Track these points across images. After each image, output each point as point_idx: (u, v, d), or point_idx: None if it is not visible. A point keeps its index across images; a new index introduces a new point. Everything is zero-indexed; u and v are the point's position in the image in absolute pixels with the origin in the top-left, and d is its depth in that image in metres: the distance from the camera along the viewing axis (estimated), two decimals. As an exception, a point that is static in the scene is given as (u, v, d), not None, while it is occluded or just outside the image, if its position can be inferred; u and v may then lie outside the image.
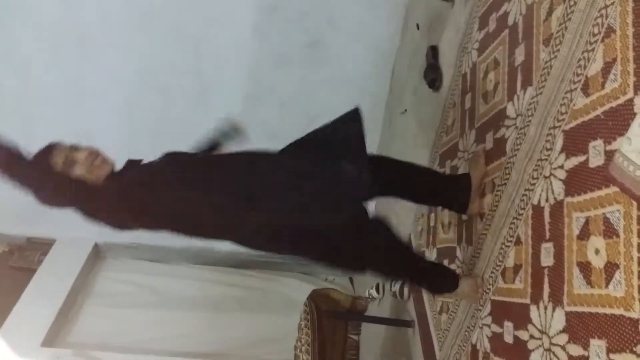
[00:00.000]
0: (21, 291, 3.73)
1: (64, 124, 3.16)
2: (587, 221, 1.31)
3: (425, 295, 2.55)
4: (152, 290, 4.08)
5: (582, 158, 1.37)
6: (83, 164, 1.68)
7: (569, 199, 1.41)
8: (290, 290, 4.20)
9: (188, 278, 4.20)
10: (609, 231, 1.22)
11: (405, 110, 3.31)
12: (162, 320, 3.89)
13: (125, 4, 3.36)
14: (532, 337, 1.52)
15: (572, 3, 1.52)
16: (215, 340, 3.84)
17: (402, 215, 3.16)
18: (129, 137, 3.37)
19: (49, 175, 1.68)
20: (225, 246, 4.27)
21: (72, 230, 4.01)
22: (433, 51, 2.82)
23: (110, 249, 4.24)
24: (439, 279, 1.97)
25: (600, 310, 1.22)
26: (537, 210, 1.57)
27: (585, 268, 1.30)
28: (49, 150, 1.70)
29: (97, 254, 4.23)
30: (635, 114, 1.16)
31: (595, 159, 1.31)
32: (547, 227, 1.51)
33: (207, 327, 3.90)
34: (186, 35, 3.48)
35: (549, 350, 1.42)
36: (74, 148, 1.71)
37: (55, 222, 3.98)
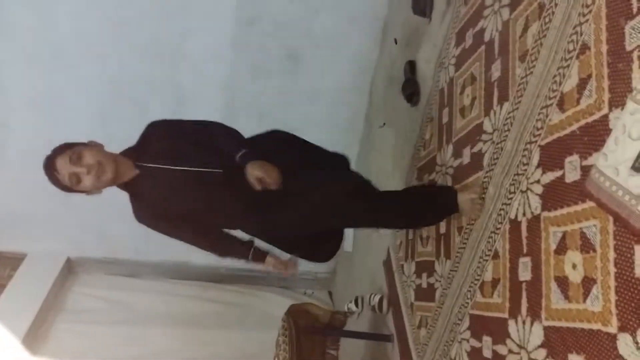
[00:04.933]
0: (-10, 308, 3.62)
1: (37, 133, 3.09)
2: (564, 236, 1.32)
3: (404, 309, 2.54)
4: (126, 307, 3.98)
5: (558, 173, 1.38)
6: (88, 180, 1.77)
7: (545, 214, 1.42)
8: (268, 305, 4.15)
9: (164, 293, 4.12)
10: (586, 246, 1.23)
11: (384, 124, 3.33)
12: (138, 337, 3.80)
13: (102, 15, 3.31)
14: (510, 351, 1.52)
15: (547, 20, 1.54)
16: (192, 357, 3.77)
17: (382, 229, 3.16)
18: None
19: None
20: (202, 260, 4.27)
21: (43, 245, 3.93)
22: (411, 66, 2.84)
23: (83, 264, 4.14)
24: (439, 201, 1.97)
25: (578, 325, 1.23)
26: (515, 224, 1.58)
27: (563, 283, 1.30)
28: (51, 167, 1.78)
29: (70, 269, 4.12)
30: (610, 130, 1.17)
31: (572, 174, 1.32)
32: (524, 241, 1.51)
33: (184, 343, 3.82)
34: (163, 47, 3.45)
35: (527, 365, 1.42)
36: (74, 161, 1.76)
37: (26, 236, 3.90)
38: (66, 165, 1.75)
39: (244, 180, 1.78)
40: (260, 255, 2.12)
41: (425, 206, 2.00)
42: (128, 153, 1.92)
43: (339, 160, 2.14)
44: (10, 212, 3.75)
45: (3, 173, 3.59)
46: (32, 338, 3.60)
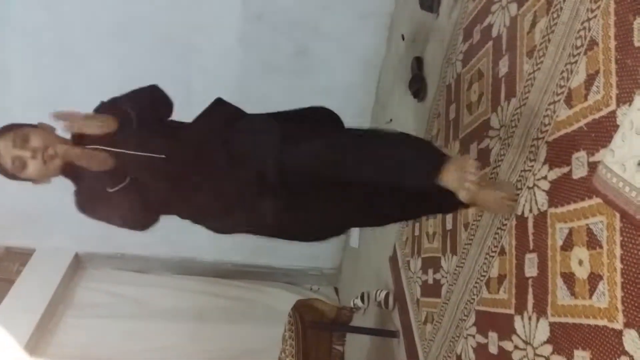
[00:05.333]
0: (-1, 302, 3.66)
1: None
2: (570, 232, 1.32)
3: (410, 305, 2.55)
4: (134, 302, 4.01)
5: (565, 169, 1.38)
6: (34, 165, 1.53)
7: (552, 210, 1.42)
8: (274, 300, 4.17)
9: (171, 288, 4.14)
10: (592, 242, 1.23)
11: (391, 120, 3.32)
12: (145, 331, 3.83)
13: (111, 13, 3.33)
14: (516, 347, 1.52)
15: (555, 16, 1.54)
16: (198, 352, 3.79)
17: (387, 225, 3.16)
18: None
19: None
20: (208, 256, 4.29)
21: (52, 240, 3.97)
22: (418, 62, 2.84)
23: (91, 259, 4.16)
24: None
25: (584, 321, 1.23)
26: (521, 220, 1.58)
27: (569, 279, 1.30)
28: None
29: (78, 264, 4.15)
30: (617, 126, 1.17)
31: (579, 171, 1.32)
32: (530, 237, 1.51)
33: (190, 338, 3.84)
34: (172, 44, 3.46)
35: (533, 361, 1.42)
36: (18, 143, 1.52)
37: (35, 231, 3.93)
38: (9, 148, 1.51)
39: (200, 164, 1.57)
40: None
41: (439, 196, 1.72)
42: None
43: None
44: (19, 209, 3.78)
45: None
46: (41, 332, 3.64)
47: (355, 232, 3.97)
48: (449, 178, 1.44)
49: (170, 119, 1.75)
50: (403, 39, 3.18)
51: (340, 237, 4.22)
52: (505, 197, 1.63)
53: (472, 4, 2.23)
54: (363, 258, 3.76)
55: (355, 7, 3.45)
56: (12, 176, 1.57)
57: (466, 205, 1.72)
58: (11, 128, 1.55)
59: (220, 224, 1.78)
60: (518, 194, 1.62)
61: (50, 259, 3.96)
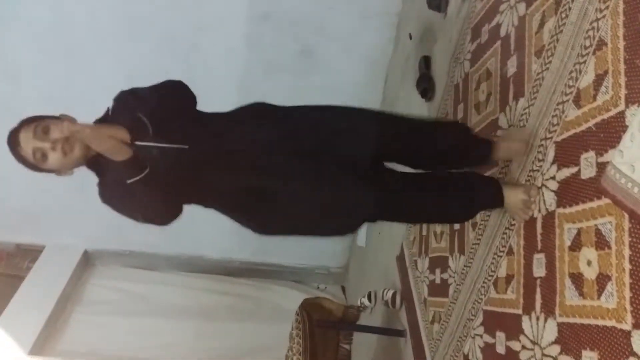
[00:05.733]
0: (9, 298, 3.68)
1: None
2: (579, 232, 1.32)
3: (417, 304, 2.55)
4: (142, 299, 4.04)
5: (574, 169, 1.37)
6: (54, 157, 1.53)
7: (560, 210, 1.41)
8: (281, 298, 4.18)
9: (178, 286, 4.16)
10: (601, 243, 1.22)
11: None
12: (152, 328, 3.85)
13: (116, 12, 3.35)
14: (524, 347, 1.52)
15: (563, 15, 1.53)
16: (205, 349, 3.81)
17: (395, 224, 3.16)
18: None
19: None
20: (216, 254, 4.31)
21: (61, 237, 4.00)
22: (426, 61, 2.83)
23: (100, 256, 4.20)
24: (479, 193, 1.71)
25: (592, 321, 1.23)
26: (529, 220, 1.58)
27: (577, 279, 1.30)
28: (14, 141, 1.55)
29: (87, 261, 4.18)
30: (626, 127, 1.16)
31: (587, 171, 1.31)
32: (539, 237, 1.51)
33: (198, 335, 3.86)
34: (177, 43, 3.47)
35: (541, 361, 1.42)
36: (39, 135, 1.52)
37: (45, 228, 3.97)
38: (30, 139, 1.52)
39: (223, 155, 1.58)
40: None
41: (461, 196, 1.71)
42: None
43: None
44: (29, 206, 3.81)
45: (22, 168, 3.64)
46: (50, 328, 3.67)
47: (362, 230, 3.97)
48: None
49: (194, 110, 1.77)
50: (410, 38, 3.18)
51: (348, 236, 4.25)
52: (529, 200, 1.58)
53: (480, 3, 2.23)
54: (370, 257, 3.77)
55: (362, 6, 3.45)
56: (35, 167, 1.58)
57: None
58: (33, 120, 1.56)
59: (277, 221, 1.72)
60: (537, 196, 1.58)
61: (59, 255, 3.99)
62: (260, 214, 1.69)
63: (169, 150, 1.57)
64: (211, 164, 1.60)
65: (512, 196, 1.63)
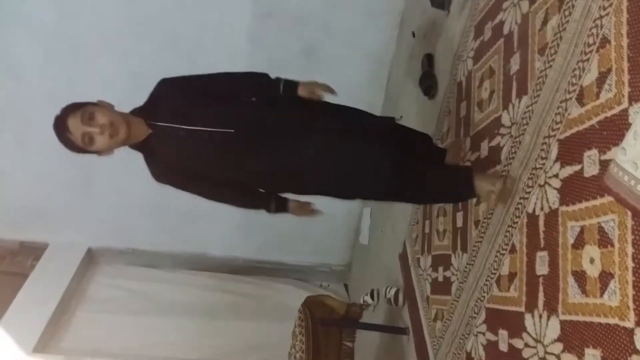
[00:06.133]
0: (13, 296, 3.69)
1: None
2: (581, 230, 1.32)
3: (420, 302, 2.55)
4: (145, 296, 4.05)
5: (577, 167, 1.37)
6: (101, 140, 1.73)
7: (563, 208, 1.41)
8: (284, 296, 4.19)
9: (182, 284, 4.17)
10: (604, 240, 1.22)
11: (401, 116, 3.32)
12: (156, 326, 3.86)
13: (120, 11, 3.35)
14: (526, 345, 1.52)
15: (567, 13, 1.53)
16: (208, 347, 3.82)
17: (398, 222, 3.17)
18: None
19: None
20: (219, 252, 4.32)
21: (65, 235, 4.01)
22: (428, 59, 2.83)
23: (103, 254, 4.21)
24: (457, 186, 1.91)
25: (595, 319, 1.23)
26: (532, 218, 1.58)
27: (580, 277, 1.30)
28: (63, 127, 1.72)
29: (91, 259, 4.19)
30: (629, 124, 1.16)
31: (590, 169, 1.31)
32: (541, 235, 1.51)
33: (201, 333, 3.87)
34: (181, 41, 3.48)
35: (543, 359, 1.42)
36: (86, 121, 1.71)
37: (49, 226, 3.98)
38: (79, 125, 1.70)
39: (262, 138, 1.80)
40: (282, 202, 2.04)
41: (442, 187, 1.95)
42: (138, 112, 1.87)
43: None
44: (33, 204, 3.83)
45: (26, 166, 3.66)
46: (54, 326, 3.68)
47: (365, 228, 3.98)
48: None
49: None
50: (414, 36, 3.18)
51: (351, 232, 4.24)
52: (495, 191, 1.75)
53: (483, 1, 2.22)
54: (373, 255, 3.77)
55: (365, 4, 3.44)
56: (81, 150, 1.76)
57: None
58: (78, 106, 1.73)
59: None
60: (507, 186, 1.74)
61: (63, 253, 4.00)
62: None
63: (218, 134, 1.79)
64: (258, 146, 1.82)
65: (481, 186, 1.82)
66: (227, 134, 1.78)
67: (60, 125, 1.72)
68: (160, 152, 1.86)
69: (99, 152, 1.79)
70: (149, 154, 1.88)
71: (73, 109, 1.73)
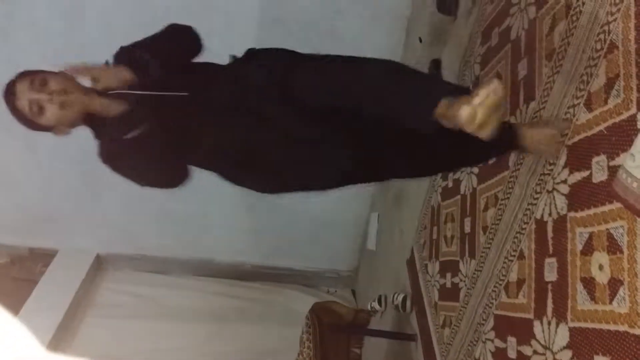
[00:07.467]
0: (22, 302, 3.72)
1: (64, 137, 3.17)
2: (590, 237, 1.31)
3: (428, 308, 2.54)
4: (153, 302, 4.06)
5: (585, 173, 1.37)
6: (51, 110, 1.48)
7: (572, 214, 1.41)
8: (292, 302, 4.18)
9: (190, 290, 4.18)
10: (613, 247, 1.22)
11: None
12: (164, 332, 3.87)
13: (128, 17, 3.37)
14: (535, 352, 1.51)
15: (574, 19, 1.53)
16: (216, 353, 3.82)
17: (405, 227, 3.16)
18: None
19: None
20: (227, 257, 4.33)
21: (74, 241, 4.04)
22: (435, 64, 2.83)
23: (112, 261, 4.23)
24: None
25: (604, 326, 1.22)
26: (541, 224, 1.57)
27: (589, 284, 1.29)
28: (10, 92, 1.47)
29: (99, 265, 4.22)
30: (638, 130, 1.16)
31: (599, 175, 1.31)
32: (550, 242, 1.50)
33: (209, 339, 3.87)
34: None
35: (553, 366, 1.41)
36: (36, 87, 1.46)
37: (58, 233, 4.01)
38: (26, 90, 1.45)
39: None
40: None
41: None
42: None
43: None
44: (42, 211, 3.86)
45: (35, 173, 3.69)
46: (63, 332, 3.70)
47: (372, 234, 3.97)
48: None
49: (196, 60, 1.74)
50: (420, 41, 3.18)
51: (359, 238, 4.23)
52: (557, 134, 1.49)
53: (490, 6, 2.23)
54: (380, 261, 3.76)
55: (372, 10, 3.45)
56: (31, 123, 1.51)
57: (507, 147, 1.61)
58: (31, 72, 1.50)
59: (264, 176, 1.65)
60: (566, 134, 1.48)
61: (72, 259, 4.02)
62: (262, 170, 1.61)
63: (169, 98, 1.50)
64: (212, 113, 1.55)
65: (535, 135, 1.53)
66: (181, 98, 1.55)
67: (8, 90, 1.47)
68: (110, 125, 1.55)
69: (52, 129, 1.54)
70: (99, 130, 1.58)
71: (26, 74, 1.49)
